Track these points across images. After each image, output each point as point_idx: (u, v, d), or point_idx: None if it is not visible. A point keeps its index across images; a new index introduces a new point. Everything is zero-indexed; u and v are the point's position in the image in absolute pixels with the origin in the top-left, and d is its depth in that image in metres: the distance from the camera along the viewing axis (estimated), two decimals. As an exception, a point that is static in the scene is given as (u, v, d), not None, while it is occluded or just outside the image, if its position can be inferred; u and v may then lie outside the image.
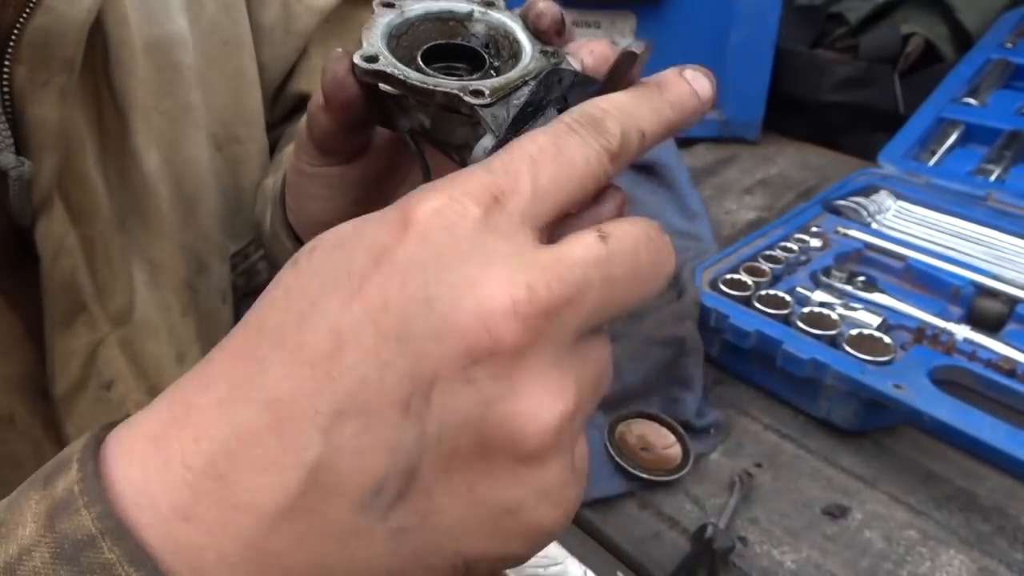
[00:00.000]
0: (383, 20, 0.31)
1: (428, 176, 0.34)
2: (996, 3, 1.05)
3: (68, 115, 0.34)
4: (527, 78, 0.30)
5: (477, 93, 0.29)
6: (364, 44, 0.30)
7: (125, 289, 0.40)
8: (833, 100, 1.03)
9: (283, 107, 0.59)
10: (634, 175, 0.89)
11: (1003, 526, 0.53)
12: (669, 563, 0.50)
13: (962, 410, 0.53)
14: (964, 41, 1.03)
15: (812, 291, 0.67)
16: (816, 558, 0.51)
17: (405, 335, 0.21)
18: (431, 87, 0.29)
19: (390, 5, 0.32)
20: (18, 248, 0.36)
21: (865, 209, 0.80)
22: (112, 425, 0.24)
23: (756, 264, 0.71)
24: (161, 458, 0.22)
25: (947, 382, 0.57)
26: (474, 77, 0.31)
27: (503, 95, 0.29)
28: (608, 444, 0.57)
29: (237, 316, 0.52)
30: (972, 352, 0.60)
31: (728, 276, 0.68)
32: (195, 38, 0.47)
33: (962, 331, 0.63)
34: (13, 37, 0.32)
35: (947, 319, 0.64)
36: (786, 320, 0.64)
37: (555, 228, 0.25)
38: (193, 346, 0.45)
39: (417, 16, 0.32)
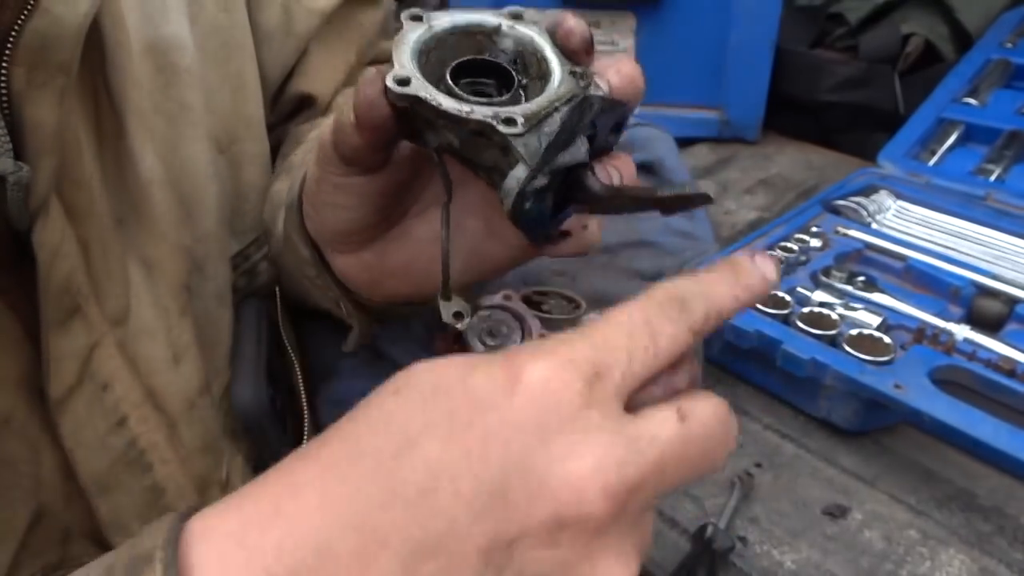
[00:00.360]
0: (412, 36, 0.31)
1: (450, 194, 0.34)
2: (996, 3, 1.05)
3: (65, 117, 0.34)
4: (558, 103, 0.30)
5: (509, 122, 0.29)
6: (395, 65, 0.30)
7: (122, 290, 0.40)
8: (833, 100, 1.03)
9: (283, 108, 0.59)
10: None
11: (1003, 526, 0.53)
12: (669, 563, 0.50)
13: (962, 410, 0.53)
14: (964, 41, 1.03)
15: (812, 291, 0.67)
16: (816, 558, 0.51)
17: (500, 491, 0.23)
18: (464, 114, 0.29)
19: (418, 18, 0.32)
20: (15, 249, 0.36)
21: (865, 209, 0.80)
22: (191, 511, 0.26)
23: (756, 264, 0.70)
24: (244, 557, 0.23)
25: (947, 382, 0.57)
26: (504, 98, 0.31)
27: (535, 123, 0.29)
28: (608, 444, 0.57)
29: (238, 317, 0.52)
30: (972, 352, 0.60)
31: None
32: (195, 39, 0.47)
33: (962, 331, 0.63)
34: (11, 39, 0.32)
35: (947, 319, 0.64)
36: (786, 320, 0.64)
37: (637, 392, 0.27)
38: (190, 348, 0.45)
39: (445, 30, 0.32)
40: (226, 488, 0.48)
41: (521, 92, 0.32)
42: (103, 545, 0.42)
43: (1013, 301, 0.66)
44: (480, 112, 0.29)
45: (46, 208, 0.35)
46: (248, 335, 0.51)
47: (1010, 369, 0.59)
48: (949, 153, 0.89)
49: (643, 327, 0.27)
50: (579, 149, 0.30)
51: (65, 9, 0.33)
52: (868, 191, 0.85)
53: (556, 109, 0.30)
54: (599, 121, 0.31)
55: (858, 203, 0.81)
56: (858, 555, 0.51)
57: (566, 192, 0.31)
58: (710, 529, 0.51)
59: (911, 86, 1.01)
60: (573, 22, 0.33)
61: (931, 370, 0.57)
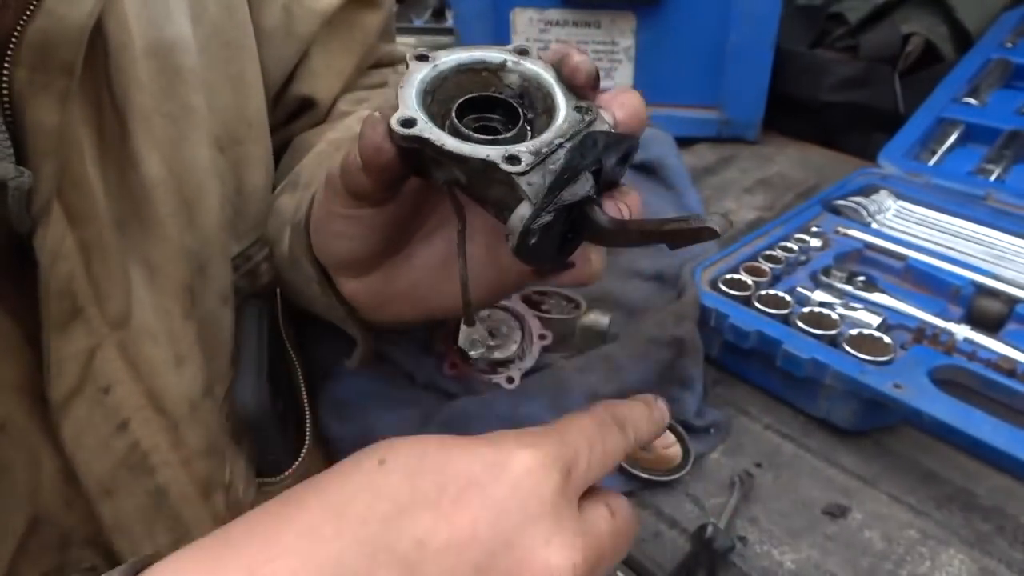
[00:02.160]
0: (417, 76, 0.31)
1: (464, 222, 0.34)
2: (996, 3, 1.05)
3: (67, 118, 0.34)
4: (562, 140, 0.30)
5: (513, 160, 0.29)
6: (400, 105, 0.30)
7: (123, 293, 0.40)
8: (833, 100, 1.03)
9: (285, 109, 0.59)
10: (634, 175, 0.89)
11: (1003, 526, 0.53)
12: (669, 563, 0.50)
13: (962, 410, 0.53)
14: (964, 41, 1.03)
15: (812, 291, 0.67)
16: (816, 558, 0.51)
17: (484, 566, 0.26)
18: (467, 154, 0.29)
19: (423, 58, 0.32)
20: (15, 252, 0.36)
21: (865, 209, 0.80)
22: (151, 559, 0.26)
23: (756, 264, 0.71)
24: None
25: (947, 382, 0.57)
26: (510, 134, 0.31)
27: (539, 160, 0.29)
28: (608, 444, 0.57)
29: (239, 318, 0.52)
30: (972, 352, 0.60)
31: (728, 276, 0.68)
32: (197, 40, 0.47)
33: (962, 331, 0.63)
34: (13, 40, 0.32)
35: (947, 319, 0.65)
36: (786, 320, 0.64)
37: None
38: (193, 349, 0.45)
39: (450, 68, 0.33)
40: (229, 491, 0.48)
41: (527, 127, 0.32)
42: (104, 550, 0.42)
43: (1013, 301, 0.66)
44: (484, 151, 0.29)
45: (47, 210, 0.35)
46: (250, 336, 0.51)
47: (1010, 369, 0.59)
48: (949, 153, 0.89)
49: (597, 438, 0.32)
50: (584, 185, 0.31)
51: (68, 10, 0.33)
52: (868, 191, 0.85)
53: (561, 145, 0.30)
54: (605, 155, 0.32)
55: (858, 203, 0.81)
56: (858, 555, 0.51)
57: (572, 225, 0.32)
58: (710, 529, 0.51)
59: (911, 86, 1.01)
60: (579, 58, 0.33)
61: (931, 370, 0.57)
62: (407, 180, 0.35)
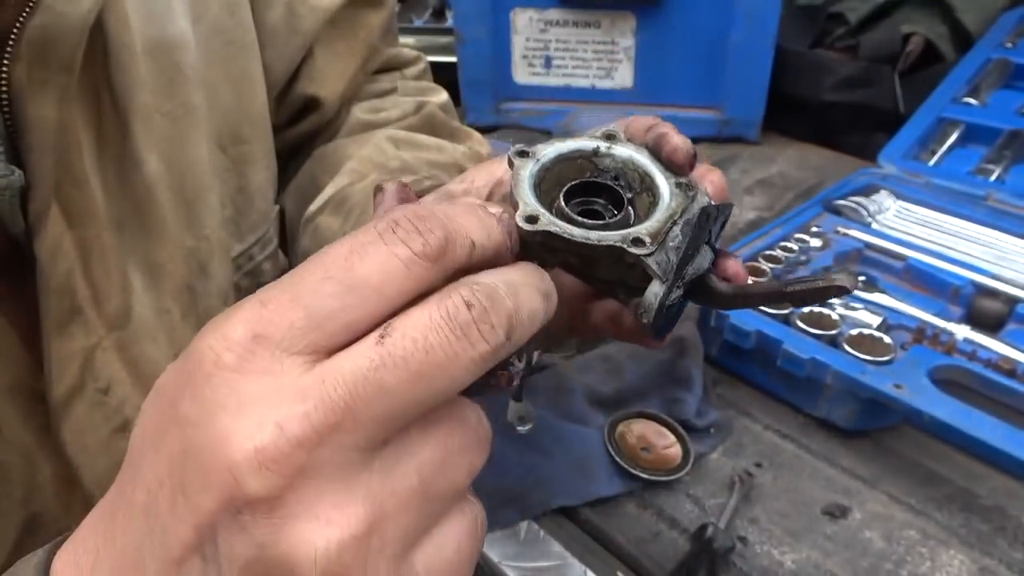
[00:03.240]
0: (524, 173, 0.33)
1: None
2: (996, 3, 1.05)
3: (66, 116, 0.34)
4: (675, 217, 0.33)
5: (638, 242, 0.31)
6: (520, 203, 0.32)
7: (121, 292, 0.40)
8: (833, 100, 1.03)
9: (289, 108, 0.59)
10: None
11: (1003, 526, 0.53)
12: (669, 563, 0.50)
13: (962, 410, 0.53)
14: (964, 41, 1.03)
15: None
16: (816, 558, 0.51)
17: (187, 487, 0.22)
18: (595, 241, 0.31)
19: (525, 154, 0.34)
20: (11, 253, 0.36)
21: (865, 209, 0.80)
22: (54, 548, 0.26)
23: (756, 264, 0.71)
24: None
25: (947, 382, 0.57)
26: (619, 217, 0.33)
27: (660, 240, 0.31)
28: (608, 444, 0.57)
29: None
30: (972, 352, 0.60)
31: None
32: (198, 39, 0.47)
33: (962, 331, 0.63)
34: (12, 36, 0.32)
35: (947, 319, 0.65)
36: (786, 320, 0.64)
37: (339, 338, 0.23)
38: None
39: (551, 160, 0.35)
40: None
41: (630, 208, 0.34)
42: None
43: (1013, 301, 0.66)
44: (609, 238, 0.31)
45: (46, 207, 0.35)
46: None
47: (1010, 369, 0.59)
48: (949, 153, 0.89)
49: (342, 266, 0.23)
50: (705, 258, 0.34)
51: (68, 7, 0.33)
52: (868, 191, 0.85)
53: (674, 223, 0.32)
54: (713, 228, 0.35)
55: (858, 203, 0.81)
56: (858, 555, 0.51)
57: (690, 295, 0.34)
58: (710, 529, 0.51)
59: (911, 86, 1.01)
60: (678, 139, 0.34)
61: (931, 370, 0.57)
62: None
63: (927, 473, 0.57)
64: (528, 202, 0.32)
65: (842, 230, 0.77)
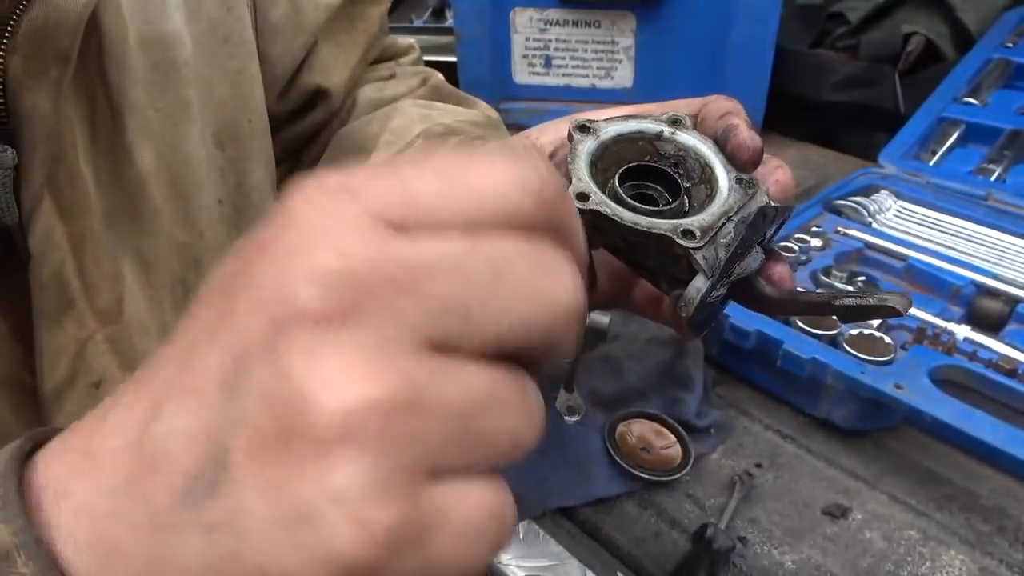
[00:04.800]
0: (583, 149, 0.33)
1: (594, 284, 0.35)
2: (997, 2, 1.05)
3: (61, 108, 0.34)
4: (730, 213, 0.31)
5: (688, 234, 0.30)
6: (574, 179, 0.31)
7: (113, 286, 0.40)
8: (834, 100, 1.03)
9: (294, 100, 0.60)
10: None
11: (1004, 526, 0.52)
12: (669, 563, 0.50)
13: (963, 410, 0.53)
14: (965, 40, 1.03)
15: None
16: (816, 558, 0.50)
17: (228, 309, 0.20)
18: (644, 228, 0.30)
19: (586, 129, 0.33)
20: (2, 246, 0.36)
21: (866, 209, 0.80)
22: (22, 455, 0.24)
23: (756, 264, 0.70)
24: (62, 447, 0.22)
25: (947, 382, 0.57)
26: (673, 205, 0.32)
27: (712, 235, 0.30)
28: (608, 444, 0.57)
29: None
30: (973, 352, 0.60)
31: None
32: (194, 36, 0.47)
33: (963, 331, 0.62)
34: (9, 28, 0.32)
35: (948, 319, 0.64)
36: (786, 320, 0.63)
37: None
38: None
39: (611, 139, 0.34)
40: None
41: (686, 198, 0.33)
42: None
43: (1014, 301, 0.66)
44: (660, 226, 0.30)
45: (39, 200, 0.35)
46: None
47: (1011, 369, 0.59)
48: (950, 153, 0.89)
49: (457, 161, 0.21)
50: (755, 260, 0.32)
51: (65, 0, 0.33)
52: (869, 191, 0.84)
53: (729, 219, 0.31)
54: (768, 230, 0.33)
55: (859, 203, 0.81)
56: (858, 555, 0.51)
57: (734, 294, 0.33)
58: (710, 529, 0.51)
59: (912, 86, 1.00)
60: (746, 135, 0.33)
61: (931, 370, 0.57)
62: None
63: (927, 473, 0.57)
64: (582, 178, 0.31)
65: (842, 230, 0.77)
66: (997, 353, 0.60)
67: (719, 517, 0.53)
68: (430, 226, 0.20)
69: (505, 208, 0.21)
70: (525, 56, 1.08)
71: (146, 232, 0.42)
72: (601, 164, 0.33)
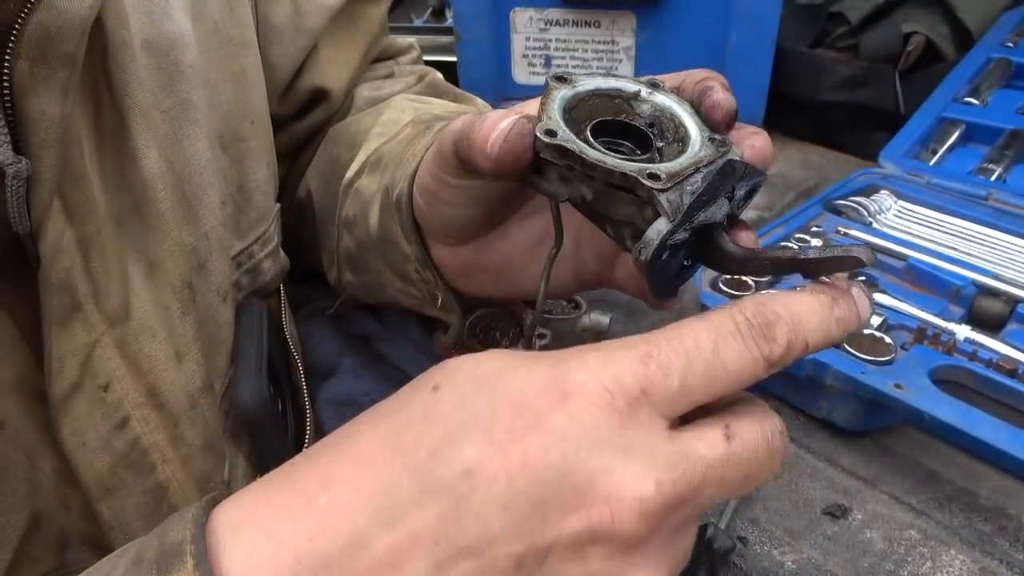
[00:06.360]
0: (557, 95, 0.33)
1: (559, 250, 0.37)
2: (997, 2, 1.05)
3: (68, 112, 0.34)
4: (699, 165, 0.31)
5: (654, 177, 0.30)
6: (543, 118, 0.31)
7: (121, 289, 0.40)
8: (834, 100, 1.03)
9: (295, 101, 0.60)
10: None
11: (1004, 526, 0.53)
12: (669, 563, 0.50)
13: (963, 410, 0.53)
14: (965, 40, 1.03)
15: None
16: (816, 558, 0.50)
17: (535, 497, 0.24)
18: (609, 167, 0.30)
19: (563, 80, 0.34)
20: (12, 249, 0.36)
21: (866, 209, 0.80)
22: (215, 500, 0.26)
23: (757, 264, 0.70)
24: (274, 549, 0.24)
25: (948, 382, 0.57)
26: (642, 157, 0.32)
27: (678, 181, 0.30)
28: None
29: (240, 316, 0.52)
30: (973, 352, 0.60)
31: (728, 276, 0.68)
32: (198, 37, 0.47)
33: (963, 331, 0.62)
34: (14, 32, 0.32)
35: (948, 319, 0.64)
36: (787, 320, 0.63)
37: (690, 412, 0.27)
38: (193, 346, 0.45)
39: (587, 92, 0.34)
40: (228, 488, 0.48)
41: (657, 155, 0.33)
42: (102, 550, 0.42)
43: (1014, 301, 0.66)
44: (626, 166, 0.30)
45: (48, 203, 0.35)
46: (249, 334, 0.51)
47: (1011, 369, 0.59)
48: (950, 153, 0.89)
49: (707, 349, 0.26)
50: (720, 209, 0.32)
51: (69, 4, 0.33)
52: (869, 191, 0.84)
53: (697, 170, 0.31)
54: (737, 186, 0.33)
55: (859, 203, 0.81)
56: (858, 555, 0.51)
57: (697, 252, 0.33)
58: (710, 529, 0.51)
59: (912, 85, 1.01)
60: (721, 95, 0.34)
61: (932, 370, 0.57)
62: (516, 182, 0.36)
63: (928, 473, 0.57)
64: (552, 117, 0.31)
65: (843, 230, 0.77)
66: (997, 353, 0.60)
67: (719, 517, 0.53)
68: (691, 408, 0.26)
69: (745, 381, 0.27)
70: (525, 56, 1.08)
71: (152, 234, 0.42)
72: (575, 115, 0.33)
